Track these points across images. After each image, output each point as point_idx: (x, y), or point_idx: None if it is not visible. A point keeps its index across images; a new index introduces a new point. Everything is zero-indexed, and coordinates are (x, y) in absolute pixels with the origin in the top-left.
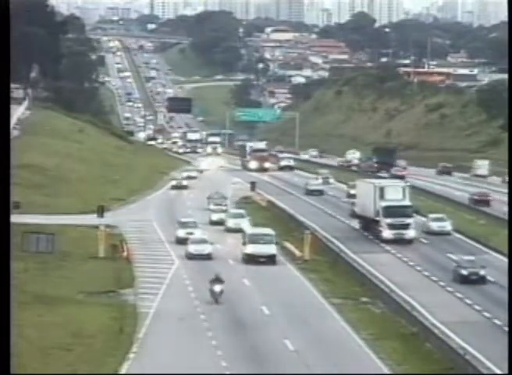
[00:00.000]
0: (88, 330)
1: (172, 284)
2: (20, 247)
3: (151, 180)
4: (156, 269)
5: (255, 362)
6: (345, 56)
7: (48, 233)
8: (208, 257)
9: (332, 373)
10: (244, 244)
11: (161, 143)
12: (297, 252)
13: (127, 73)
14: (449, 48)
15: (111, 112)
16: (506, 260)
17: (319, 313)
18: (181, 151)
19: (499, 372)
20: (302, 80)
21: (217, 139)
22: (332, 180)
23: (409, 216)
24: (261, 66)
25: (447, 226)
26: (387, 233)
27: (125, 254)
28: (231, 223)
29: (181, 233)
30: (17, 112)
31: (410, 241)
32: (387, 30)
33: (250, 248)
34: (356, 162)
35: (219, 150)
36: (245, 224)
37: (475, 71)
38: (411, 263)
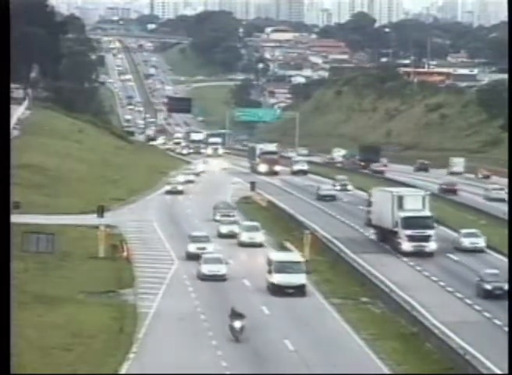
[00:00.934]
0: (88, 330)
1: (172, 284)
2: (20, 247)
3: (151, 180)
4: (156, 269)
5: (255, 362)
6: (345, 56)
7: (48, 233)
8: (222, 278)
9: (332, 373)
10: (270, 272)
11: (164, 143)
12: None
13: (128, 76)
14: (449, 48)
15: (111, 112)
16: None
17: (319, 313)
18: (185, 152)
19: (499, 372)
20: (302, 80)
21: (218, 140)
22: (350, 187)
23: (430, 228)
24: (261, 66)
25: (481, 242)
26: (406, 246)
27: (125, 254)
28: (245, 236)
29: (192, 248)
30: (17, 112)
31: (430, 254)
32: (387, 30)
33: (277, 278)
34: (339, 159)
35: (220, 151)
36: (260, 237)
37: (475, 71)
38: (434, 278)
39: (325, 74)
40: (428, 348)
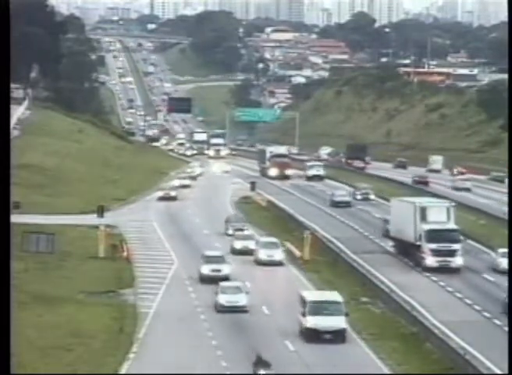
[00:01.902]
0: (88, 330)
1: (172, 284)
2: (20, 247)
3: (152, 180)
4: (156, 269)
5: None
6: (345, 56)
7: (48, 233)
8: (242, 310)
9: (332, 373)
10: (304, 314)
11: (167, 144)
12: (297, 252)
13: (129, 79)
14: (449, 48)
15: (111, 112)
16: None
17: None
18: (189, 153)
19: (499, 372)
20: (302, 80)
21: (220, 141)
22: (373, 196)
23: (456, 241)
24: (261, 66)
25: None
26: (431, 261)
27: (125, 254)
28: (263, 254)
29: (205, 269)
30: (17, 112)
31: (456, 270)
32: (387, 30)
33: (312, 321)
34: (325, 157)
35: (223, 152)
36: (279, 255)
37: (475, 71)
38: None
39: (325, 74)
40: (428, 347)
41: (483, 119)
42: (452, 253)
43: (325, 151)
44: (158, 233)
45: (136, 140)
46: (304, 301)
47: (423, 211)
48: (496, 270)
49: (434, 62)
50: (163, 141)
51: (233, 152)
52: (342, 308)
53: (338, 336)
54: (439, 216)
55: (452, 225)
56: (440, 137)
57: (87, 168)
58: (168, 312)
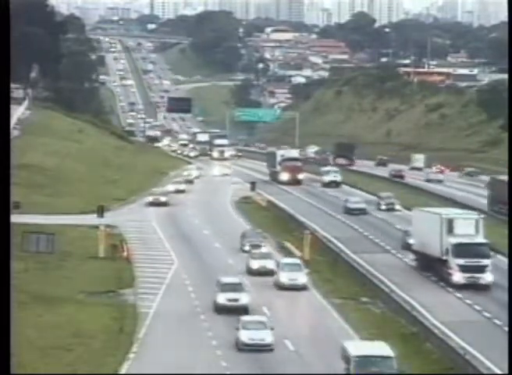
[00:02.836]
0: (88, 330)
1: (172, 284)
2: (20, 247)
3: (152, 180)
4: (156, 269)
5: (256, 361)
6: (345, 56)
7: (48, 233)
8: (267, 348)
9: (332, 373)
10: (348, 371)
11: (169, 145)
12: (297, 252)
13: (130, 82)
14: (449, 48)
15: (111, 112)
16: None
17: (319, 313)
18: (192, 154)
19: (499, 372)
20: (302, 80)
21: (224, 141)
22: (398, 206)
23: (486, 257)
24: (261, 66)
25: None
26: (458, 277)
27: (125, 254)
28: (284, 277)
29: (222, 298)
30: (17, 112)
31: (486, 287)
32: (387, 30)
33: None
34: (312, 155)
35: (227, 154)
36: (302, 278)
37: (475, 71)
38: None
39: (325, 74)
40: (428, 347)
41: (483, 119)
42: (481, 269)
43: (312, 150)
44: (158, 233)
45: (136, 140)
46: (347, 356)
47: (450, 223)
48: None
49: (434, 62)
50: (165, 141)
51: (239, 154)
52: (393, 363)
53: None
54: (467, 228)
55: (481, 239)
56: (440, 137)
57: (87, 168)
58: (168, 312)
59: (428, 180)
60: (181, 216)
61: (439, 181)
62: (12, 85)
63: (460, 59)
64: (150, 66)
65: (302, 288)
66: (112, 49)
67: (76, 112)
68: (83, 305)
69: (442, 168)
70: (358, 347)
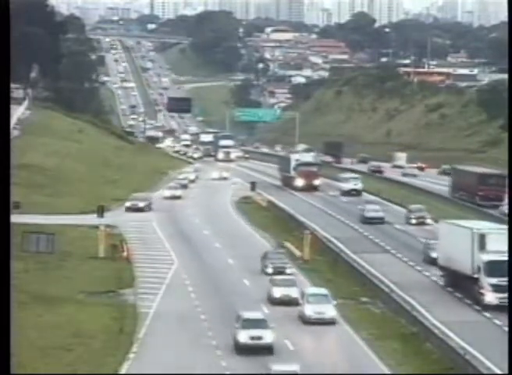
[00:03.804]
0: (88, 330)
1: (171, 284)
2: (20, 247)
3: (152, 180)
4: (156, 269)
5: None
6: (345, 56)
7: (48, 233)
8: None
9: (332, 372)
10: None
11: (172, 146)
12: (297, 252)
13: (131, 84)
14: (449, 48)
15: (111, 112)
16: None
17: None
18: (196, 156)
19: (499, 372)
20: (302, 80)
21: (230, 142)
22: (430, 220)
23: None
24: (261, 66)
25: None
26: (491, 297)
27: (125, 254)
28: (310, 310)
29: (243, 337)
30: (17, 112)
31: None
32: (387, 30)
33: None
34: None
35: (233, 155)
36: (331, 312)
37: (475, 71)
38: None
39: (325, 74)
40: (428, 347)
41: (483, 119)
42: None
43: (300, 149)
44: (158, 233)
45: (136, 140)
46: None
47: (482, 238)
48: None
49: (434, 62)
50: (167, 142)
51: (246, 155)
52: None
53: None
54: (501, 244)
55: None
56: (440, 137)
57: (87, 168)
58: (169, 312)
59: (404, 175)
60: (181, 216)
61: (414, 175)
62: (12, 85)
63: (460, 59)
64: (149, 64)
65: (330, 323)
66: (113, 51)
67: (76, 112)
68: (83, 305)
69: (423, 165)
70: None
